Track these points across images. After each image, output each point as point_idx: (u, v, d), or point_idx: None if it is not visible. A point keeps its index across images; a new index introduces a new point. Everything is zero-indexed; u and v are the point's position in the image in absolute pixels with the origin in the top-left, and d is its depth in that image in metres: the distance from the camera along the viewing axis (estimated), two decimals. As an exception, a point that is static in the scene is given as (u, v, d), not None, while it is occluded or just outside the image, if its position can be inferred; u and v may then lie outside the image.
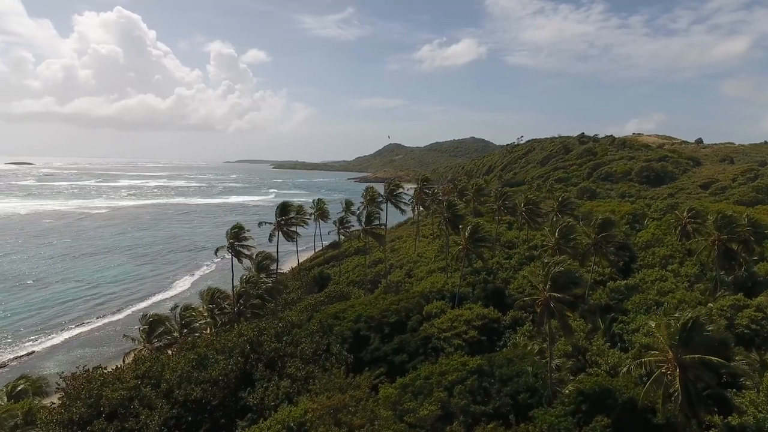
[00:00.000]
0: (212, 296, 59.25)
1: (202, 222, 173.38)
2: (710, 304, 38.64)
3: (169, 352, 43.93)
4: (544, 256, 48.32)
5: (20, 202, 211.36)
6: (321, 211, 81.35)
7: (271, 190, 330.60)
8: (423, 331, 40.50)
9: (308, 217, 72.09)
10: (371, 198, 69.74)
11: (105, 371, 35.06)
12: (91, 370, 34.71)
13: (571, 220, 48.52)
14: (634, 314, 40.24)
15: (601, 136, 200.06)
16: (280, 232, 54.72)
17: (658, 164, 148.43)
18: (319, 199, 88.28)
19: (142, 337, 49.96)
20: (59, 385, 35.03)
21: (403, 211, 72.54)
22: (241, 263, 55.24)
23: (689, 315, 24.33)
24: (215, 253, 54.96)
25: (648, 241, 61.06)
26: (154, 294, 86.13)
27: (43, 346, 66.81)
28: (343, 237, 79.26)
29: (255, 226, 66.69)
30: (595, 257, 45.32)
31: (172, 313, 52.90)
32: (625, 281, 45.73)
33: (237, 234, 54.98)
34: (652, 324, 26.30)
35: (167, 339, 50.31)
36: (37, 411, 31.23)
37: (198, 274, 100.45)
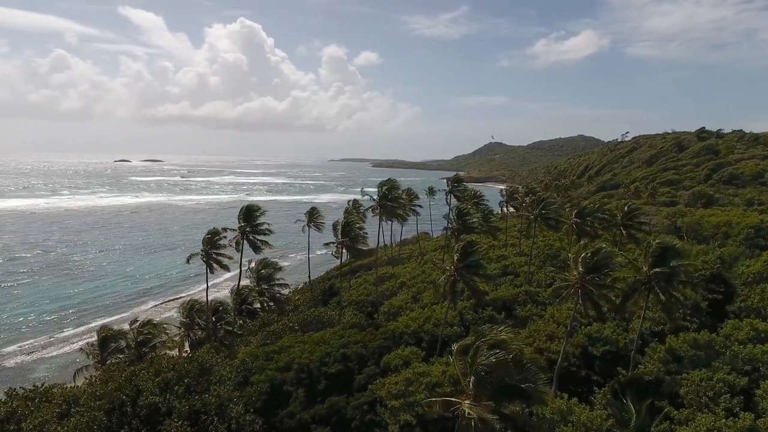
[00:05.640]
0: (190, 309, 52.39)
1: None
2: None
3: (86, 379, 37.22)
4: (551, 306, 34.01)
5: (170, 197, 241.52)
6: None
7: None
8: (370, 393, 28.86)
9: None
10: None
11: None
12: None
13: (605, 246, 32.82)
14: (690, 406, 24.31)
15: (726, 131, 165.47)
16: (245, 241, 45.79)
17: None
18: (354, 200, 80.00)
19: (93, 353, 44.38)
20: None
21: (400, 220, 60.05)
22: (213, 273, 47.24)
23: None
24: (187, 261, 47.57)
25: (759, 273, 42.50)
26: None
27: (58, 349, 64.81)
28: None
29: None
30: (650, 297, 30.05)
31: (131, 328, 46.79)
32: (694, 334, 29.30)
33: (212, 240, 47.05)
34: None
35: (119, 357, 44.23)
36: None
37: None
